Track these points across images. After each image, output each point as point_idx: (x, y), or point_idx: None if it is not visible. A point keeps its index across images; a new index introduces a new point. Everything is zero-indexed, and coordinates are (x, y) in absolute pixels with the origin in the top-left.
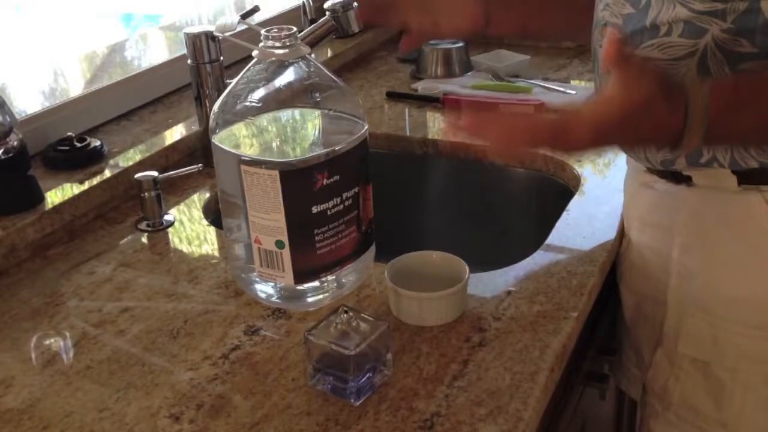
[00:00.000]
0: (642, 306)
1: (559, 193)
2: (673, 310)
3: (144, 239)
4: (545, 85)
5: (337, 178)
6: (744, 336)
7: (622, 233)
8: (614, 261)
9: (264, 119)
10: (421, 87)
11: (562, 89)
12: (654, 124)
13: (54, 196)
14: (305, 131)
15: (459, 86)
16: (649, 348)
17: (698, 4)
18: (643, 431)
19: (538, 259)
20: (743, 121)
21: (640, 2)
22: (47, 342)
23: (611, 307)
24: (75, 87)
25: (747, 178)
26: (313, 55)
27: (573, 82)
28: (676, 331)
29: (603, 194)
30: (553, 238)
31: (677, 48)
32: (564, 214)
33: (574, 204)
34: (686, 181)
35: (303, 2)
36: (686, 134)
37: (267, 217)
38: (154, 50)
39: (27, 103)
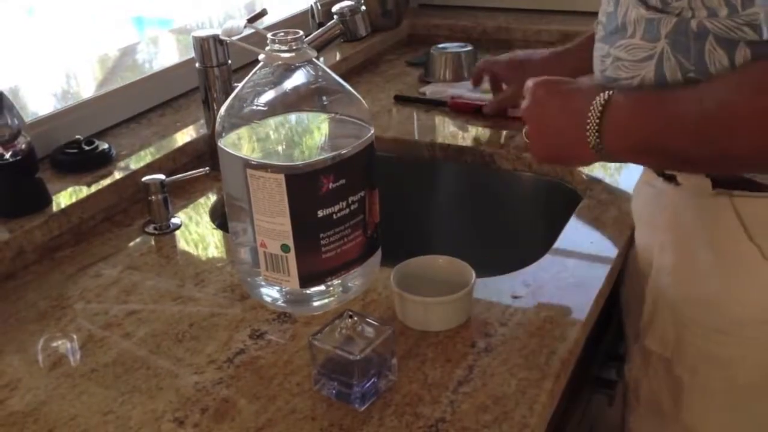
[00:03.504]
0: (630, 302)
1: (567, 197)
2: (648, 306)
3: (151, 242)
4: None
5: (343, 182)
6: (703, 338)
7: (631, 238)
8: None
9: (270, 123)
10: (429, 91)
11: None
12: (571, 107)
13: (62, 199)
14: (311, 135)
15: (467, 90)
16: (631, 343)
17: (643, 10)
18: (624, 426)
19: (545, 264)
20: (632, 137)
21: (617, 0)
22: (54, 344)
23: (619, 312)
24: (87, 89)
25: (720, 182)
26: (321, 59)
27: None
28: (647, 327)
29: (611, 199)
30: (560, 242)
31: (638, 50)
32: (572, 218)
33: (583, 209)
34: (674, 180)
35: (311, 6)
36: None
37: (272, 221)
38: (165, 53)
39: (40, 105)
